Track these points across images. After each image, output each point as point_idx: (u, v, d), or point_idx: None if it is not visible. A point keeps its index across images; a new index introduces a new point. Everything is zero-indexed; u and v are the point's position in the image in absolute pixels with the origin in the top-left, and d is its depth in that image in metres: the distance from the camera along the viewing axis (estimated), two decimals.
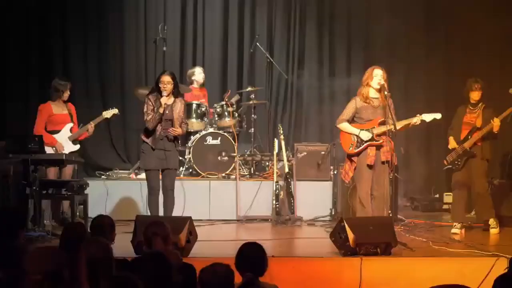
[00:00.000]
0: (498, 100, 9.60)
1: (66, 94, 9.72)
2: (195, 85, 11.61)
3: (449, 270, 7.20)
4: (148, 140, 8.58)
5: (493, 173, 11.25)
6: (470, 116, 9.33)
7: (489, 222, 9.26)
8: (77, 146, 9.76)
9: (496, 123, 9.09)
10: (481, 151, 9.24)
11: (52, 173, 9.58)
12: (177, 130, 8.58)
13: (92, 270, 4.09)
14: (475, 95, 9.25)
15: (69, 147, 9.60)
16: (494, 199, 10.21)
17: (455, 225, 9.31)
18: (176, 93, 8.69)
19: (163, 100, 8.50)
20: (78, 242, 4.89)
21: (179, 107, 8.68)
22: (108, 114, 9.86)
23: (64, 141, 9.60)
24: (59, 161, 9.15)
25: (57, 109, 9.69)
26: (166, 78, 8.55)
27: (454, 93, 11.45)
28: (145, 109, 8.61)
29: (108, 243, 4.44)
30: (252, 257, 4.95)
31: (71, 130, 9.69)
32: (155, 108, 8.51)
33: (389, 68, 9.05)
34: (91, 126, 9.70)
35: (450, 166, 9.36)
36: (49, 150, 9.27)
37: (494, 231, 9.18)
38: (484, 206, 9.31)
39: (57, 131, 9.61)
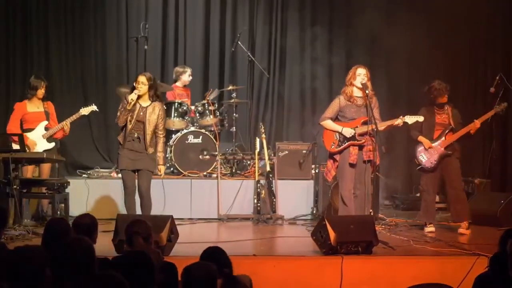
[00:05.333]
0: (481, 99, 9.68)
1: (41, 92, 9.63)
2: (179, 84, 11.57)
3: (430, 269, 7.24)
4: (120, 139, 8.57)
5: (474, 172, 11.33)
6: (441, 117, 9.38)
7: (462, 225, 9.28)
8: (52, 144, 9.62)
9: (477, 125, 9.19)
10: (456, 150, 9.31)
11: (30, 171, 9.55)
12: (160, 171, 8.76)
13: (75, 269, 4.07)
14: (444, 98, 9.33)
15: (43, 145, 9.50)
16: (474, 198, 10.29)
17: (429, 224, 9.33)
18: (153, 97, 8.61)
19: (131, 96, 8.39)
20: (62, 238, 4.89)
21: (157, 113, 8.57)
22: (85, 111, 9.72)
23: (38, 139, 9.49)
24: (39, 160, 9.12)
25: (32, 107, 9.63)
26: (141, 79, 8.50)
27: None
28: (120, 107, 8.61)
29: (91, 242, 4.42)
30: (216, 260, 4.77)
31: (46, 128, 9.63)
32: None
33: (371, 70, 9.07)
34: (66, 124, 9.60)
35: (425, 166, 9.37)
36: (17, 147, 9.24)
37: (462, 231, 9.22)
38: (462, 207, 9.31)
39: (31, 130, 9.53)
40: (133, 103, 8.39)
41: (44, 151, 9.34)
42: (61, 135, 9.76)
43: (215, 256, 4.91)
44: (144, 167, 8.56)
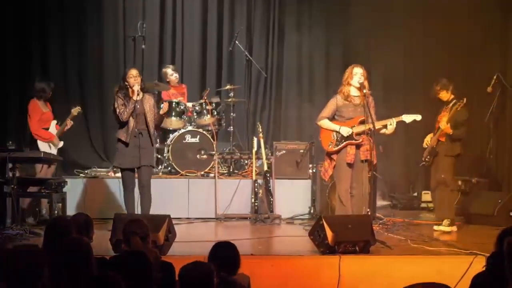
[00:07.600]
0: (478, 98, 9.67)
1: (50, 93, 9.88)
2: (171, 83, 11.58)
3: (427, 268, 7.24)
4: (122, 137, 8.58)
5: (472, 172, 11.32)
6: (442, 115, 9.43)
7: (443, 222, 9.30)
8: (62, 142, 9.95)
9: (442, 126, 9.21)
10: (444, 148, 9.35)
11: (44, 171, 9.62)
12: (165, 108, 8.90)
13: (73, 269, 4.08)
14: (442, 96, 9.39)
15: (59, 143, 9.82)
16: (472, 198, 10.27)
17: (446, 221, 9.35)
18: (144, 89, 8.83)
19: (135, 87, 8.56)
20: (64, 236, 4.91)
21: (151, 102, 8.79)
22: (75, 111, 10.05)
23: None
24: (37, 159, 9.13)
25: (43, 107, 9.81)
26: (134, 72, 8.72)
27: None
28: (115, 105, 8.64)
29: (89, 242, 4.42)
30: (225, 256, 4.91)
31: (55, 127, 9.80)
32: (126, 103, 8.55)
33: (368, 68, 9.07)
34: (69, 121, 9.90)
35: (424, 163, 9.49)
36: (45, 146, 9.58)
37: (444, 228, 9.23)
38: (440, 206, 9.38)
39: (47, 129, 9.72)
40: (138, 92, 8.59)
41: (59, 149, 9.85)
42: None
43: (222, 252, 4.95)
44: (147, 163, 8.68)
